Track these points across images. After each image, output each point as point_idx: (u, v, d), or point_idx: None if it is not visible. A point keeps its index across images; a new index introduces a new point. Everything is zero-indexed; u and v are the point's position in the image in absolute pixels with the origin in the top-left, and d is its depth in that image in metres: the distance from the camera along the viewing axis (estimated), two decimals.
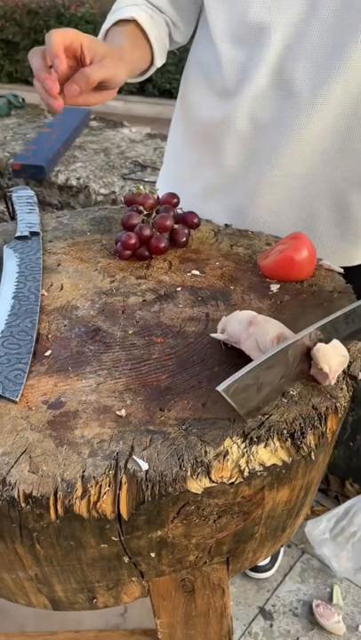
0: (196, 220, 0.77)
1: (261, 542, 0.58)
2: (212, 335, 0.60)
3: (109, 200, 1.76)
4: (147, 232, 0.72)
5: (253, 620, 1.24)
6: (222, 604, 0.60)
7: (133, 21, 0.78)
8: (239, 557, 0.58)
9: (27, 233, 0.77)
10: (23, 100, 2.43)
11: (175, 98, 0.95)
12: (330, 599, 1.27)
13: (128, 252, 0.73)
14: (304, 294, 0.68)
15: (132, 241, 0.72)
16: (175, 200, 0.78)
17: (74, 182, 1.81)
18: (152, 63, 0.83)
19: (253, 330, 0.55)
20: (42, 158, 1.84)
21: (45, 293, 0.67)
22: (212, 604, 0.60)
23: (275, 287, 0.69)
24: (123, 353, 0.59)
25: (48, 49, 0.65)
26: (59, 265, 0.73)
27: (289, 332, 0.55)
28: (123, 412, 0.52)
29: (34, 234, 0.77)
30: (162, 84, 5.57)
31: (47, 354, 0.59)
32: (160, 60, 0.83)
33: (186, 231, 0.76)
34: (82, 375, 0.56)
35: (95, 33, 0.79)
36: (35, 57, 0.67)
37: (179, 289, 0.69)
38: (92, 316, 0.64)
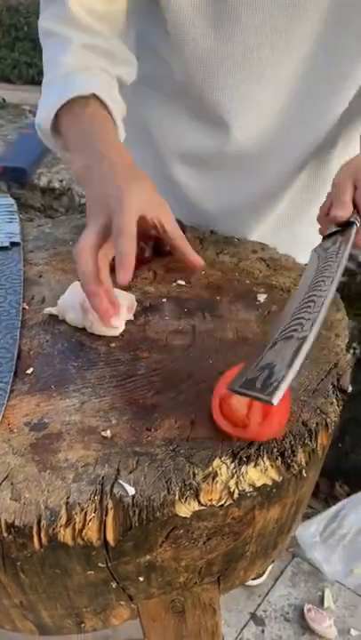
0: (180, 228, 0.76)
1: (252, 560, 0.57)
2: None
3: None
4: None
5: (245, 626, 1.23)
6: (213, 624, 0.59)
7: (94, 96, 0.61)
8: (230, 576, 0.56)
9: (7, 243, 0.75)
10: (4, 99, 2.40)
11: None
12: (321, 603, 1.27)
13: (111, 263, 0.71)
14: None
15: None
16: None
17: (57, 185, 1.79)
18: None
19: (92, 316, 0.59)
20: (24, 160, 1.81)
21: (26, 307, 0.66)
22: (203, 624, 0.59)
23: (262, 297, 0.67)
24: (107, 369, 0.57)
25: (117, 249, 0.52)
26: (40, 276, 0.71)
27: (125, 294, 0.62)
28: (108, 433, 0.50)
29: (14, 244, 0.75)
30: None
31: (29, 371, 0.57)
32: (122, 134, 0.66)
33: (148, 249, 0.74)
34: (65, 394, 0.54)
35: None
36: (85, 255, 0.54)
37: (164, 300, 0.67)
38: (75, 331, 0.62)
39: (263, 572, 1.31)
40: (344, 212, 0.62)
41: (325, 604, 1.26)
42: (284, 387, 0.43)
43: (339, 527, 1.35)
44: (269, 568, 1.33)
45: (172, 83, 0.74)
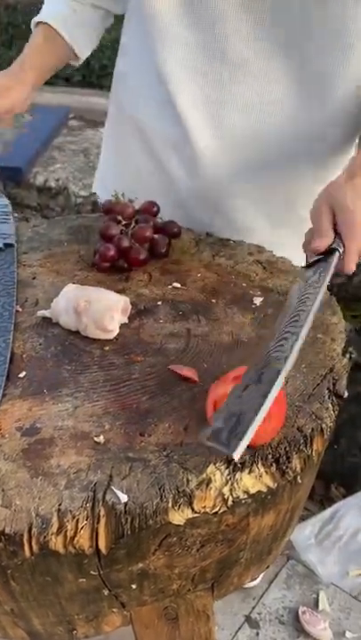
0: (176, 230, 0.75)
1: (247, 566, 0.56)
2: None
3: (89, 202, 1.74)
4: (125, 243, 0.70)
5: (239, 629, 1.23)
6: (207, 630, 0.59)
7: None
8: (224, 583, 0.56)
9: (0, 245, 0.74)
10: None
11: None
12: (316, 605, 1.27)
13: (106, 265, 0.70)
14: None
15: (111, 253, 0.69)
16: (155, 209, 0.75)
17: (53, 184, 1.78)
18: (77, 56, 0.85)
19: (86, 319, 0.59)
20: (19, 159, 1.80)
21: (20, 309, 0.65)
22: (196, 631, 0.58)
23: (258, 300, 0.67)
24: (101, 373, 0.57)
25: None
26: (34, 278, 0.70)
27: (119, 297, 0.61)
28: (101, 439, 0.49)
29: (8, 245, 0.75)
30: None
31: (21, 375, 0.56)
32: (83, 54, 0.86)
33: (166, 241, 0.74)
34: (58, 398, 0.54)
35: None
36: None
37: (159, 303, 0.67)
38: (68, 334, 0.61)
39: (258, 575, 1.30)
40: (322, 241, 0.60)
41: (320, 607, 1.26)
42: (245, 442, 0.42)
43: (334, 529, 1.35)
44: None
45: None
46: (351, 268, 0.61)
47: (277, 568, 1.33)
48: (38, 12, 0.84)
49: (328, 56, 0.69)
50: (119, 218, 0.72)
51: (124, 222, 0.72)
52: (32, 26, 0.84)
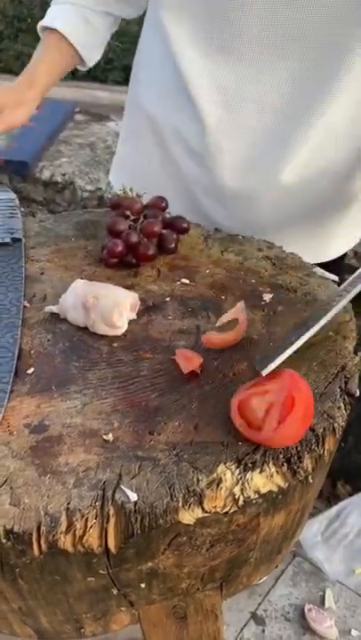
0: (185, 225, 0.74)
1: (256, 566, 0.56)
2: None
3: (95, 197, 1.72)
4: (134, 239, 0.69)
5: (245, 625, 1.22)
6: (215, 630, 0.58)
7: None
8: (233, 582, 0.55)
9: (8, 239, 0.73)
10: None
11: None
12: (322, 603, 1.26)
13: (114, 260, 0.70)
14: (298, 304, 0.65)
15: (119, 248, 0.69)
16: (163, 204, 0.74)
17: (59, 178, 1.77)
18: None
19: (94, 315, 0.59)
20: (25, 153, 1.79)
21: (28, 305, 0.64)
22: (204, 630, 0.58)
23: (267, 297, 0.66)
24: (109, 370, 0.56)
25: None
26: (42, 274, 0.70)
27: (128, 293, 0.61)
28: (110, 437, 0.49)
29: (15, 240, 0.74)
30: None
31: (29, 371, 0.56)
32: (92, 61, 0.86)
33: (174, 237, 0.73)
34: (66, 395, 0.53)
35: None
36: None
37: (168, 299, 0.66)
38: (76, 330, 0.61)
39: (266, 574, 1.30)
40: None
41: (326, 605, 1.25)
42: (277, 362, 0.52)
43: (341, 527, 1.34)
44: None
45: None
46: None
47: (284, 565, 1.33)
48: (43, 6, 0.84)
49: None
50: (127, 213, 0.71)
51: (132, 217, 0.71)
52: (39, 29, 0.83)
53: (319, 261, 0.86)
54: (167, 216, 0.75)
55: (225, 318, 0.59)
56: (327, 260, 0.89)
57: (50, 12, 0.83)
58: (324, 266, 0.84)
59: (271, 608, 1.25)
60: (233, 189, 0.80)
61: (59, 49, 0.82)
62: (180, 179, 0.83)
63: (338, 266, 0.93)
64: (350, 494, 1.44)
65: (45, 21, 0.82)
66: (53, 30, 0.81)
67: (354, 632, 1.21)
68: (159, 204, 0.74)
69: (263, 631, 1.21)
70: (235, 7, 0.68)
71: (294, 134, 0.74)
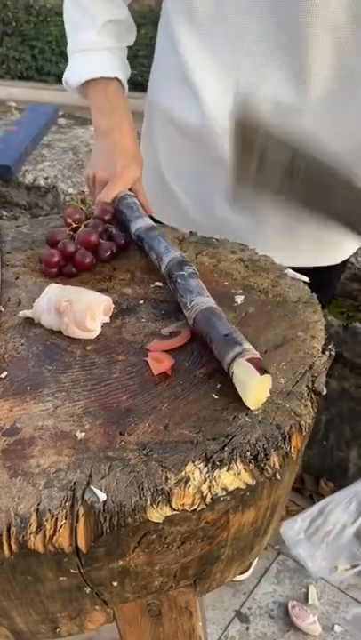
0: (123, 241, 0.75)
1: (229, 563, 0.57)
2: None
3: (78, 200, 1.73)
4: (70, 248, 0.70)
5: (230, 623, 1.24)
6: (190, 626, 0.59)
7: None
8: (206, 579, 0.56)
9: None
10: None
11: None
12: (306, 599, 1.28)
13: (53, 270, 0.70)
14: (269, 305, 0.67)
15: (55, 259, 0.69)
16: (108, 216, 0.75)
17: (42, 182, 1.77)
18: None
19: (67, 319, 0.60)
20: (8, 157, 1.79)
21: (2, 309, 0.65)
22: (180, 627, 0.59)
23: (239, 299, 0.67)
24: (82, 373, 0.57)
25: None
26: (17, 278, 0.71)
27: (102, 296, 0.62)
28: (82, 435, 0.50)
29: None
30: (134, 76, 5.51)
31: (3, 375, 0.56)
32: None
33: (111, 246, 0.73)
34: (39, 398, 0.54)
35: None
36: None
37: (141, 302, 0.67)
38: (50, 334, 0.62)
39: (248, 567, 1.31)
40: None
41: (310, 601, 1.27)
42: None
43: (323, 524, 1.36)
44: (254, 564, 1.33)
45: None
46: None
47: (268, 563, 1.34)
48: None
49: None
50: (69, 221, 0.73)
51: (73, 227, 0.73)
52: (87, 78, 0.83)
53: (329, 264, 0.89)
54: (113, 230, 0.76)
55: (169, 330, 0.62)
56: (337, 262, 0.92)
57: (90, 60, 0.84)
58: (333, 268, 0.86)
59: (255, 606, 1.27)
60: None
61: (122, 93, 0.86)
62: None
63: (344, 266, 0.96)
64: (333, 491, 1.45)
65: (105, 71, 0.83)
66: (113, 79, 0.83)
67: (337, 628, 1.22)
68: (103, 217, 0.75)
69: (247, 629, 1.23)
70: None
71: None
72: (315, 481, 1.50)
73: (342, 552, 1.32)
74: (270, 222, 0.84)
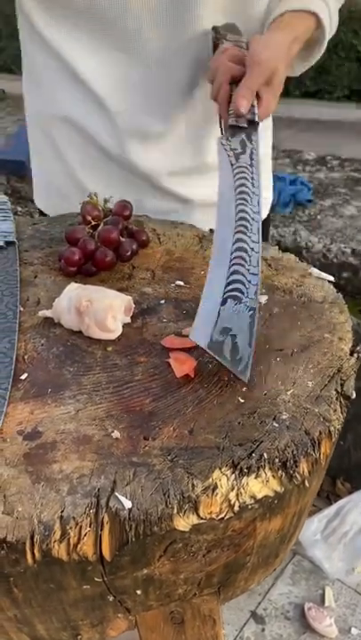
0: (144, 238, 0.74)
1: (253, 570, 0.55)
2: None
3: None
4: (90, 246, 0.68)
5: (245, 624, 1.22)
6: (214, 634, 0.58)
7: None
8: (230, 587, 0.55)
9: (1, 243, 0.73)
10: (4, 91, 2.36)
11: None
12: (322, 601, 1.26)
13: (72, 269, 0.69)
14: (293, 306, 0.65)
15: (76, 257, 0.68)
16: (127, 212, 0.74)
17: None
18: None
19: (88, 319, 0.58)
20: (23, 153, 1.78)
21: (21, 309, 0.64)
22: (203, 635, 0.58)
23: (263, 298, 0.65)
24: (104, 375, 0.55)
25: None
26: (35, 277, 0.69)
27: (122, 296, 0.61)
28: (117, 434, 0.48)
29: (9, 243, 0.73)
30: None
31: (23, 377, 0.55)
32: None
33: (133, 245, 0.72)
34: (60, 401, 0.53)
35: None
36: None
37: (162, 301, 0.65)
38: (70, 334, 0.60)
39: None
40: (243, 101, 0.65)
41: (326, 603, 1.26)
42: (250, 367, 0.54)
43: (340, 525, 1.34)
44: None
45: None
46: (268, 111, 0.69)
47: (284, 564, 1.33)
48: None
49: None
50: (89, 219, 0.71)
51: (92, 224, 0.71)
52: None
53: None
54: (131, 227, 0.74)
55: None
56: None
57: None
58: None
59: (271, 607, 1.26)
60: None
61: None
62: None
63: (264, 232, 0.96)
64: (350, 492, 1.44)
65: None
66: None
67: (354, 630, 1.21)
68: (122, 212, 0.73)
69: (263, 630, 1.21)
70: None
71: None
72: (331, 481, 1.48)
73: (360, 553, 1.30)
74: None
